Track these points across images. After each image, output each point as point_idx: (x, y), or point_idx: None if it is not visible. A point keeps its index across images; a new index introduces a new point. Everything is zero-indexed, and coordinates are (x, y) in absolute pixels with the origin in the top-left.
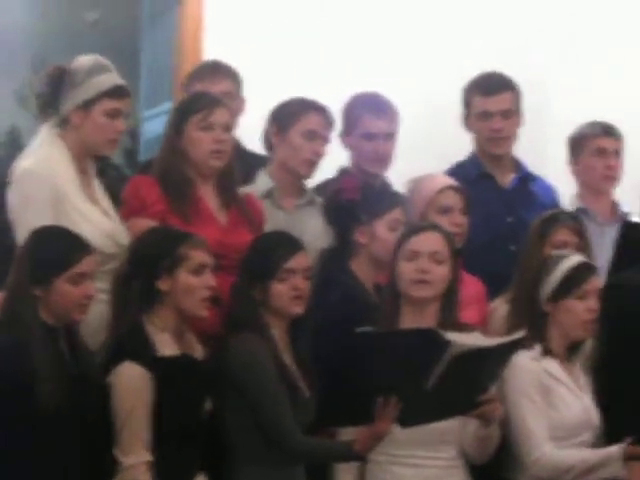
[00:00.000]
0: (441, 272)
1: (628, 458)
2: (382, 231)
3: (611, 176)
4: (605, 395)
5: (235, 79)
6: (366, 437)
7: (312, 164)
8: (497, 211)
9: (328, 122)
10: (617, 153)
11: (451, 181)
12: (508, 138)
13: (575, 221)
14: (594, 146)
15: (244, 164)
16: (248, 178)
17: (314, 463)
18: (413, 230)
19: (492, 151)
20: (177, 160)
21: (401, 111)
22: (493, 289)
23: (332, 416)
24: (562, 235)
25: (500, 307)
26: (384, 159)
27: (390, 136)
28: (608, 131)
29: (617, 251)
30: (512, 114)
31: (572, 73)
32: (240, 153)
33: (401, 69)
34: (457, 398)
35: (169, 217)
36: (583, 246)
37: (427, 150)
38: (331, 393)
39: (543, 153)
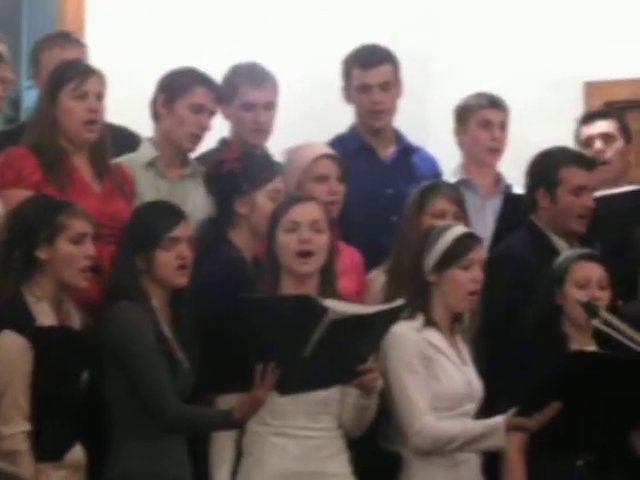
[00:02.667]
0: (322, 241)
1: (510, 429)
2: (262, 201)
3: (496, 148)
4: (486, 366)
5: (81, 47)
6: (244, 404)
7: (197, 137)
8: (377, 183)
9: (215, 95)
10: (502, 125)
11: (327, 149)
12: (388, 111)
13: (453, 191)
14: (480, 118)
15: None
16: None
17: (192, 432)
18: (290, 201)
19: (372, 124)
20: (51, 130)
21: (282, 81)
22: (374, 260)
23: (211, 383)
24: (441, 204)
25: (378, 277)
26: (264, 129)
27: (270, 106)
28: (494, 102)
29: (499, 222)
30: (391, 86)
31: (454, 45)
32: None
33: (282, 40)
34: (336, 367)
35: (45, 187)
36: (462, 215)
37: (308, 121)
38: (209, 360)
39: (425, 125)
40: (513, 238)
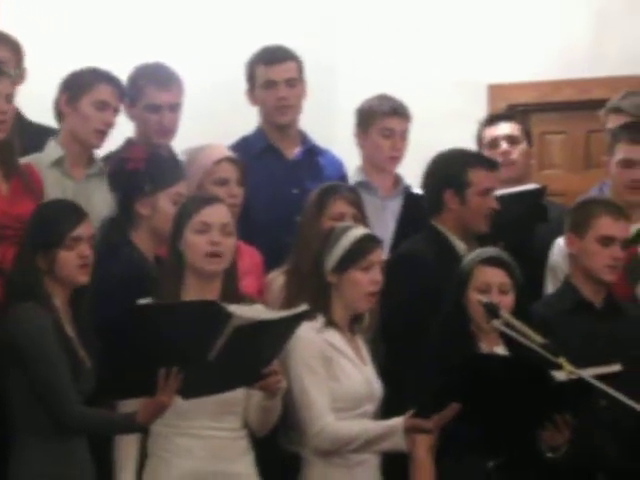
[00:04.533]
0: (231, 244)
1: (409, 430)
2: (165, 204)
3: (396, 157)
4: (386, 367)
5: (14, 48)
6: (148, 409)
7: (102, 134)
8: (282, 183)
9: (119, 93)
10: (404, 134)
11: (227, 152)
12: (293, 107)
13: (352, 193)
14: (382, 126)
15: (26, 134)
16: (30, 148)
17: (95, 435)
18: (200, 202)
19: (278, 120)
20: None
21: (187, 82)
22: (280, 260)
23: (111, 389)
24: (339, 206)
25: (277, 278)
26: (169, 130)
27: (175, 107)
28: (397, 111)
29: (399, 223)
30: (296, 83)
31: (359, 49)
32: (22, 123)
33: (188, 41)
34: (240, 370)
35: None
36: (360, 217)
37: (213, 121)
38: (111, 365)
39: (331, 128)
40: (414, 241)
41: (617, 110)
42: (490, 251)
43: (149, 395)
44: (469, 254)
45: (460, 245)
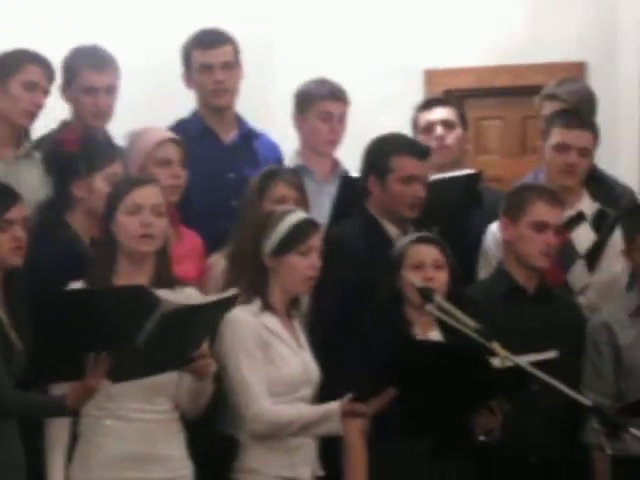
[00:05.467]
0: (162, 225)
1: (346, 415)
2: (100, 185)
3: (334, 140)
4: (322, 351)
5: None
6: (77, 392)
7: (31, 115)
8: (219, 167)
9: (48, 74)
10: (342, 117)
11: (170, 134)
12: (230, 90)
13: (294, 176)
14: (320, 109)
15: None
16: None
17: (25, 418)
18: (131, 183)
19: (215, 103)
20: None
21: (123, 65)
22: (216, 244)
23: (42, 373)
24: (281, 190)
25: (218, 262)
26: (104, 113)
27: (110, 90)
28: (335, 94)
29: (335, 206)
30: (232, 66)
31: (296, 33)
32: None
33: (124, 24)
34: (169, 354)
35: None
36: (302, 201)
37: (151, 105)
38: (42, 348)
39: (268, 112)
40: (346, 225)
41: (552, 97)
42: (420, 233)
43: (79, 379)
44: (401, 238)
45: (392, 229)
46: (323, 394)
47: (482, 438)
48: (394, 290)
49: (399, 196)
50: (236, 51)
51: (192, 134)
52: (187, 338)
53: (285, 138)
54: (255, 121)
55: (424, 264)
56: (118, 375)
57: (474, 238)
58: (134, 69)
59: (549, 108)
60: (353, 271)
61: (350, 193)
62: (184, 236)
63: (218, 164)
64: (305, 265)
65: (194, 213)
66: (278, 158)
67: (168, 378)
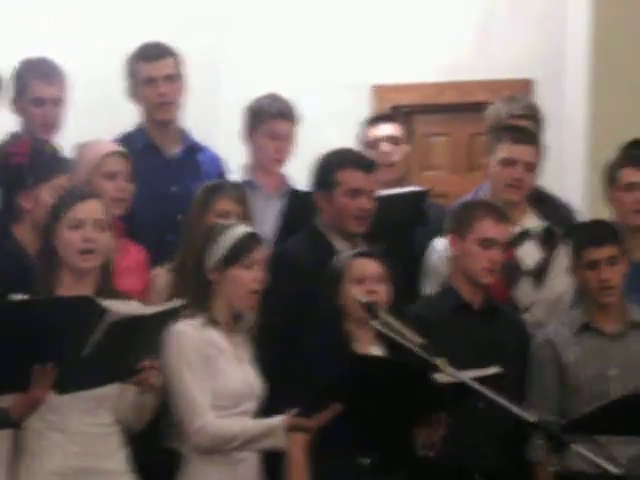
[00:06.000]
0: (104, 240)
1: (290, 429)
2: (46, 196)
3: (280, 160)
4: (267, 366)
5: None
6: (21, 404)
7: None
8: (163, 181)
9: None
10: (290, 136)
11: (117, 146)
12: (174, 103)
13: (237, 190)
14: (269, 128)
15: None
16: None
17: None
18: (74, 198)
19: (159, 116)
20: None
21: (70, 76)
22: (162, 258)
23: None
24: (224, 204)
25: (161, 276)
26: (53, 124)
27: (59, 102)
28: (284, 114)
29: (283, 221)
30: (176, 79)
31: (245, 47)
32: None
33: (72, 36)
34: (115, 365)
35: None
36: (245, 215)
37: (98, 117)
38: None
39: (215, 125)
40: (295, 240)
41: (500, 114)
42: (361, 248)
43: (24, 391)
44: (342, 253)
45: (341, 245)
46: (267, 408)
47: (423, 452)
48: (335, 305)
49: (345, 210)
50: (179, 64)
51: (136, 148)
52: (133, 349)
53: (230, 152)
54: (201, 135)
55: (366, 278)
56: (64, 387)
57: (417, 254)
58: (81, 81)
59: (497, 125)
60: (300, 286)
61: (299, 208)
62: (128, 250)
63: (162, 178)
64: (249, 279)
65: (140, 227)
66: (221, 172)
67: (110, 391)
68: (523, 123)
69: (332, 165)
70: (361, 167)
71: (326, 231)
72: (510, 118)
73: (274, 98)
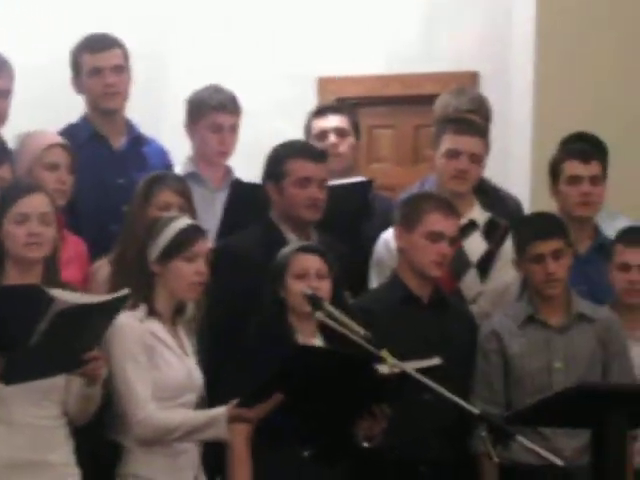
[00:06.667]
0: (50, 233)
1: (232, 420)
2: None
3: (224, 152)
4: (210, 357)
5: None
6: None
7: None
8: (108, 172)
9: None
10: (233, 128)
11: (59, 138)
12: (120, 94)
13: (179, 182)
14: (211, 121)
15: None
16: None
17: None
18: (19, 192)
19: (105, 105)
20: None
21: (15, 68)
22: (105, 250)
23: None
24: (166, 196)
25: (102, 267)
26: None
27: (5, 93)
28: (226, 106)
29: (226, 214)
30: (123, 70)
31: (190, 38)
32: None
33: (18, 27)
34: (62, 355)
35: None
36: (187, 208)
37: (40, 108)
38: None
39: (161, 117)
40: (246, 233)
41: (447, 106)
42: (304, 242)
43: None
44: (285, 247)
45: (293, 237)
46: (209, 400)
47: (365, 444)
48: (277, 297)
49: (295, 199)
50: (125, 55)
51: (81, 139)
52: (79, 339)
53: (176, 144)
54: (146, 127)
55: (308, 274)
56: (11, 377)
57: (365, 246)
58: (24, 71)
59: (443, 117)
60: (248, 280)
61: (243, 200)
62: (68, 241)
63: (107, 169)
64: (191, 271)
65: (84, 218)
66: (167, 164)
67: (57, 383)
68: (471, 117)
69: (281, 156)
70: (310, 157)
71: (278, 223)
72: (457, 111)
73: (215, 90)
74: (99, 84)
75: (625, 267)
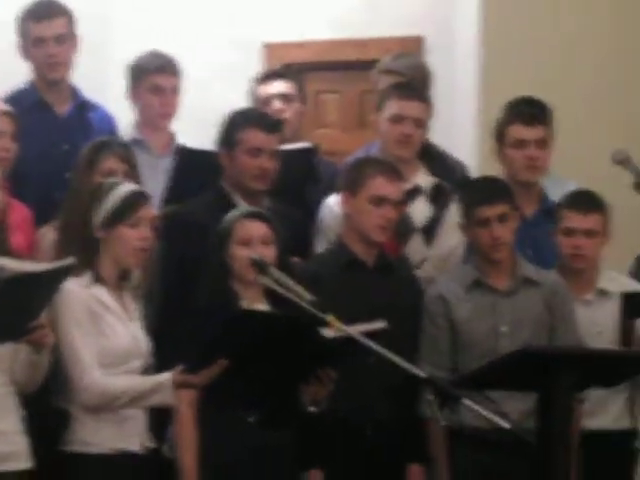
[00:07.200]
0: None
1: (177, 386)
2: None
3: (167, 113)
4: (158, 323)
5: None
6: None
7: None
8: (53, 139)
9: None
10: (174, 89)
11: (2, 106)
12: (63, 64)
13: (123, 149)
14: (151, 83)
15: None
16: None
17: None
18: None
19: (48, 76)
20: None
21: None
22: (49, 216)
23: None
24: (110, 162)
25: (48, 234)
26: None
27: None
28: (165, 68)
29: (172, 180)
30: (66, 39)
31: (134, 3)
32: None
33: None
34: (8, 324)
35: None
36: (132, 174)
37: None
38: None
39: (105, 83)
40: (196, 201)
41: (388, 71)
42: (249, 208)
43: None
44: (230, 213)
45: (244, 204)
46: (156, 366)
47: (311, 409)
48: (222, 263)
49: (245, 168)
50: (70, 22)
51: (26, 105)
52: (25, 308)
53: (122, 110)
54: (92, 92)
55: (252, 240)
56: None
57: (311, 212)
58: None
59: (385, 82)
60: (199, 246)
61: (188, 166)
62: (13, 208)
63: (52, 136)
64: (135, 236)
65: (28, 185)
66: (113, 130)
67: (4, 351)
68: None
69: (235, 124)
70: (263, 127)
71: (230, 190)
72: (394, 75)
73: (154, 54)
74: (42, 54)
75: (570, 232)
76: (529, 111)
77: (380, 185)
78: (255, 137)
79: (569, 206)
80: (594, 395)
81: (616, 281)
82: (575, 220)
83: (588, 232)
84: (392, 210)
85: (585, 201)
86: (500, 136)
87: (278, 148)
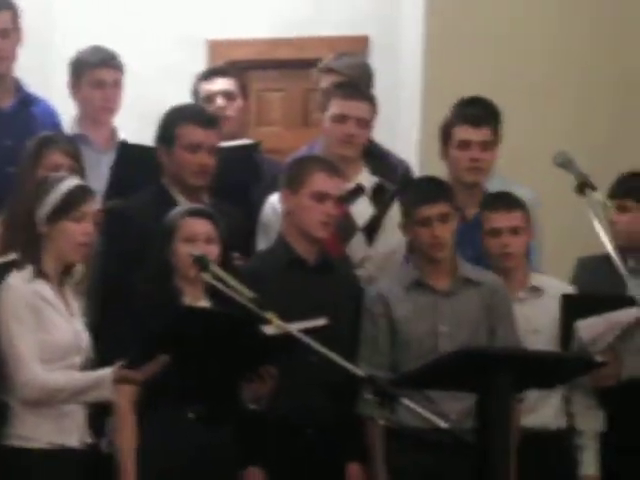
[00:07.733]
0: None
1: (118, 381)
2: None
3: (108, 107)
4: (99, 319)
5: None
6: None
7: None
8: None
9: None
10: (116, 83)
11: None
12: (7, 58)
13: (69, 144)
14: (92, 77)
15: None
16: None
17: None
18: None
19: None
20: None
21: None
22: None
23: None
24: (56, 157)
25: None
26: None
27: None
28: (106, 62)
29: (112, 175)
30: (10, 33)
31: None
32: None
33: None
34: None
35: None
36: (77, 169)
37: None
38: None
39: (48, 77)
40: (137, 197)
41: (330, 70)
42: (194, 205)
43: None
44: (174, 210)
45: (183, 201)
46: (96, 361)
47: (252, 406)
48: (164, 259)
49: (184, 164)
50: (15, 16)
51: None
52: None
53: (66, 105)
54: (36, 87)
55: (196, 238)
56: None
57: (253, 209)
58: None
59: (327, 81)
60: (138, 242)
61: (129, 161)
62: None
63: None
64: (78, 231)
65: None
66: (57, 125)
67: None
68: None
69: (172, 120)
70: (200, 122)
71: (169, 186)
72: (335, 74)
73: (95, 49)
74: None
75: (496, 232)
76: (475, 112)
77: (321, 181)
78: (193, 133)
79: (491, 208)
80: (530, 394)
81: (546, 281)
82: (499, 220)
83: (513, 230)
84: (333, 206)
85: (505, 200)
86: (445, 136)
87: (217, 144)
